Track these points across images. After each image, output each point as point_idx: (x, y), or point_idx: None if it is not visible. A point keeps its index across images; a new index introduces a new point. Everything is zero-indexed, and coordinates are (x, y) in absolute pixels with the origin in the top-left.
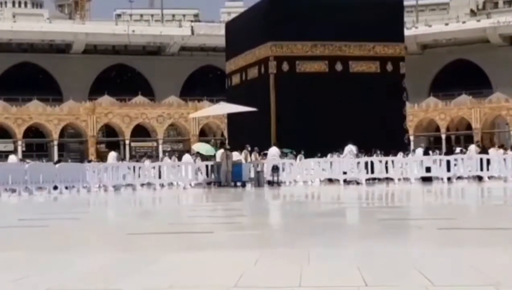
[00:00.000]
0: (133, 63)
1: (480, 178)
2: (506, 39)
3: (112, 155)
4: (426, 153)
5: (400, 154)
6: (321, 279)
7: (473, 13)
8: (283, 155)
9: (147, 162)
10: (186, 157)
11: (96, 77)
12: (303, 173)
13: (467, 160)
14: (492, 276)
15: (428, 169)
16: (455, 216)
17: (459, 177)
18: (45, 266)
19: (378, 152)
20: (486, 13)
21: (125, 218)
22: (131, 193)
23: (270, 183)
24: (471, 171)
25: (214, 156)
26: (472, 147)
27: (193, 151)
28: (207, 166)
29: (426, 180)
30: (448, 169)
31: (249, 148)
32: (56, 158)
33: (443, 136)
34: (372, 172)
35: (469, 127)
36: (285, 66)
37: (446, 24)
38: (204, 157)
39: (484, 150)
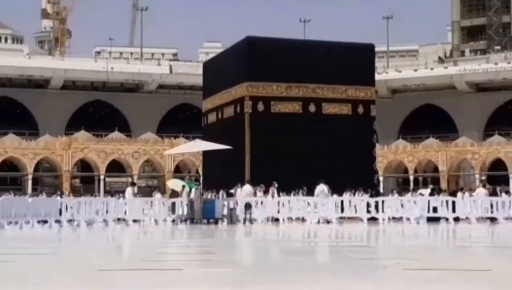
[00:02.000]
0: (111, 100)
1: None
2: (472, 86)
3: (129, 191)
4: (432, 194)
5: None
6: None
7: (441, 60)
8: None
9: (157, 195)
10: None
11: (73, 113)
12: (276, 212)
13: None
14: None
15: (434, 209)
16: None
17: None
18: None
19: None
20: (453, 60)
21: (96, 254)
22: (103, 228)
23: (243, 220)
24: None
25: (190, 192)
26: (481, 190)
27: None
28: (181, 202)
29: (433, 220)
30: (454, 210)
31: (276, 185)
32: (30, 191)
33: (411, 178)
34: (342, 210)
35: (436, 169)
36: (260, 106)
37: (415, 70)
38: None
39: (453, 193)
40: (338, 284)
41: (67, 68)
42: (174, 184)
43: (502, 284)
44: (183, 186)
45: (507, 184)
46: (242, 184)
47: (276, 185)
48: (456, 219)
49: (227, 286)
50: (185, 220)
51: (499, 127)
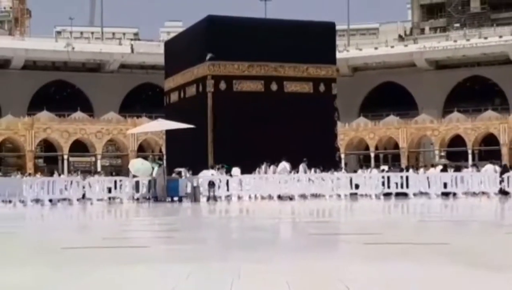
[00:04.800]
0: (73, 80)
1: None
2: (432, 63)
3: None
4: (444, 170)
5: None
6: None
7: (401, 38)
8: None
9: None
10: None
11: (35, 93)
12: (239, 189)
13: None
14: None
15: (445, 185)
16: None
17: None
18: None
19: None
20: (413, 38)
21: (60, 232)
22: (67, 207)
23: (207, 198)
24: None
25: (153, 170)
26: (489, 167)
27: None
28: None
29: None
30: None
31: (306, 161)
32: None
33: (372, 155)
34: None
35: (396, 146)
36: (223, 85)
37: (376, 48)
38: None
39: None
40: (301, 260)
41: (27, 48)
42: (136, 169)
43: (459, 256)
44: (154, 167)
45: (466, 159)
46: (205, 162)
47: (307, 162)
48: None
49: (192, 262)
50: (149, 199)
51: (458, 104)
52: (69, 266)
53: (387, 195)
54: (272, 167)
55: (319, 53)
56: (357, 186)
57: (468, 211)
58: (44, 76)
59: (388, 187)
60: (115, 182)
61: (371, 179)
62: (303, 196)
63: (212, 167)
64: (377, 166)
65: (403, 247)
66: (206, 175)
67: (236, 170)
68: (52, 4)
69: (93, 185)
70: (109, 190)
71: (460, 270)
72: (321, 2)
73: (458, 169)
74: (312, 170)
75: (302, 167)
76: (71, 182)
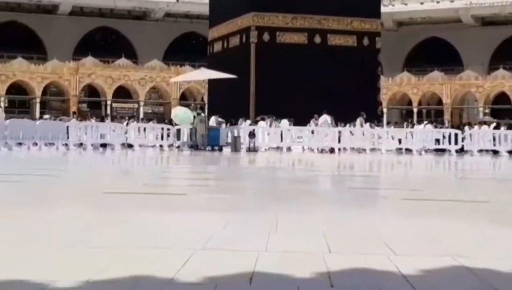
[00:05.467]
0: (118, 27)
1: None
2: (478, 19)
3: (212, 119)
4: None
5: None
6: (287, 244)
7: None
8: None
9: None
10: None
11: (81, 38)
12: (279, 140)
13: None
14: (451, 247)
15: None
16: (422, 187)
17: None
18: (12, 221)
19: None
20: None
21: (101, 177)
22: (110, 152)
23: (247, 148)
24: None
25: (194, 119)
26: None
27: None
28: (186, 129)
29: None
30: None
31: (364, 115)
32: (38, 115)
33: (415, 110)
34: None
35: (439, 102)
36: (266, 36)
37: (421, 3)
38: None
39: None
40: (339, 212)
41: None
42: (178, 117)
43: (499, 215)
44: (194, 116)
45: (511, 117)
46: (246, 112)
47: (365, 116)
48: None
49: (229, 211)
50: (191, 147)
51: (504, 61)
52: (110, 210)
53: (436, 150)
54: (312, 120)
55: (364, 6)
56: (400, 141)
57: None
58: (90, 22)
59: (438, 143)
60: (157, 129)
61: (419, 134)
62: (357, 150)
63: (263, 119)
64: (419, 122)
65: (444, 204)
66: (262, 125)
67: (284, 122)
68: None
69: (135, 131)
70: (151, 137)
71: (499, 230)
72: None
73: (510, 127)
74: (368, 124)
75: (359, 120)
76: (114, 128)
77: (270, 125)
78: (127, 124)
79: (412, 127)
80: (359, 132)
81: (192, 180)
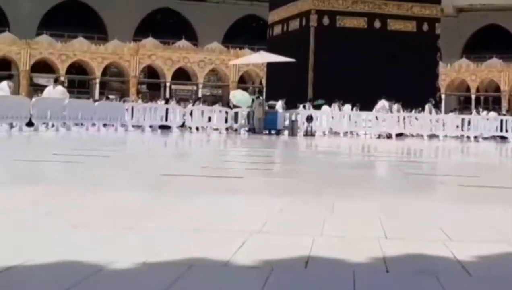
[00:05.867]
0: (179, 8)
1: None
2: None
3: (278, 103)
4: None
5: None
6: (343, 229)
7: None
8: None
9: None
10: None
11: (142, 19)
12: (338, 125)
13: None
14: (507, 234)
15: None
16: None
17: None
18: (71, 201)
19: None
20: None
21: (159, 159)
22: (167, 134)
23: (304, 132)
24: None
25: (252, 102)
26: None
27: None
28: (243, 112)
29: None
30: None
31: (433, 101)
32: (97, 95)
33: (473, 97)
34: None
35: (497, 89)
36: (326, 20)
37: None
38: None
39: None
40: (395, 198)
41: None
42: (237, 99)
43: None
44: (253, 100)
45: None
46: (305, 96)
47: (433, 102)
48: None
49: (285, 195)
50: (248, 130)
51: None
52: (168, 193)
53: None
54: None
55: None
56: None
57: None
58: (151, 3)
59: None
60: (215, 112)
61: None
62: (431, 136)
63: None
64: (477, 108)
65: (500, 191)
66: (380, 104)
67: (347, 107)
68: None
69: (194, 113)
70: (209, 119)
71: None
72: None
73: None
74: (434, 110)
75: (428, 106)
76: (172, 110)
77: (340, 109)
78: (193, 105)
79: (478, 114)
80: (427, 118)
81: (249, 164)
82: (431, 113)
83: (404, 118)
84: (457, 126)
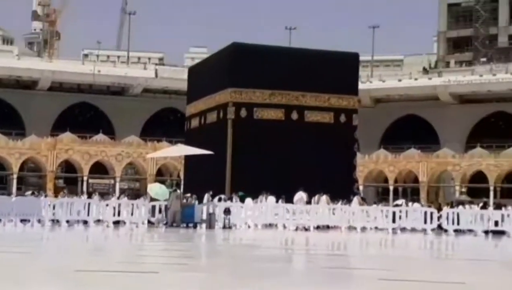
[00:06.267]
0: (97, 102)
1: None
2: (456, 97)
3: (206, 196)
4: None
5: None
6: None
7: (425, 71)
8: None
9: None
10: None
11: (59, 114)
12: (254, 218)
13: None
14: None
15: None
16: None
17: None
18: None
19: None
20: (438, 71)
21: (75, 254)
22: (83, 229)
23: (223, 225)
24: None
25: (170, 195)
26: None
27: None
28: (160, 206)
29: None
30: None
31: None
32: (14, 191)
33: (391, 188)
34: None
35: (416, 180)
36: (243, 112)
37: (399, 80)
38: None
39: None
40: None
41: (54, 70)
42: (155, 192)
43: None
44: (170, 192)
45: (488, 196)
46: (223, 189)
47: (361, 195)
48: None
49: None
50: (165, 224)
51: (482, 140)
52: (82, 289)
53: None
54: (269, 197)
55: (342, 83)
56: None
57: (485, 249)
58: (69, 98)
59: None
60: (132, 205)
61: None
62: (363, 229)
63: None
64: (395, 199)
65: (417, 285)
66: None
67: (271, 199)
68: (80, 27)
69: (110, 208)
70: (125, 213)
71: None
72: (346, 33)
73: (499, 207)
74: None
75: (356, 199)
76: (89, 204)
77: (266, 200)
78: (102, 200)
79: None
80: (358, 210)
81: (165, 258)
82: (360, 205)
83: (333, 210)
84: (386, 217)
